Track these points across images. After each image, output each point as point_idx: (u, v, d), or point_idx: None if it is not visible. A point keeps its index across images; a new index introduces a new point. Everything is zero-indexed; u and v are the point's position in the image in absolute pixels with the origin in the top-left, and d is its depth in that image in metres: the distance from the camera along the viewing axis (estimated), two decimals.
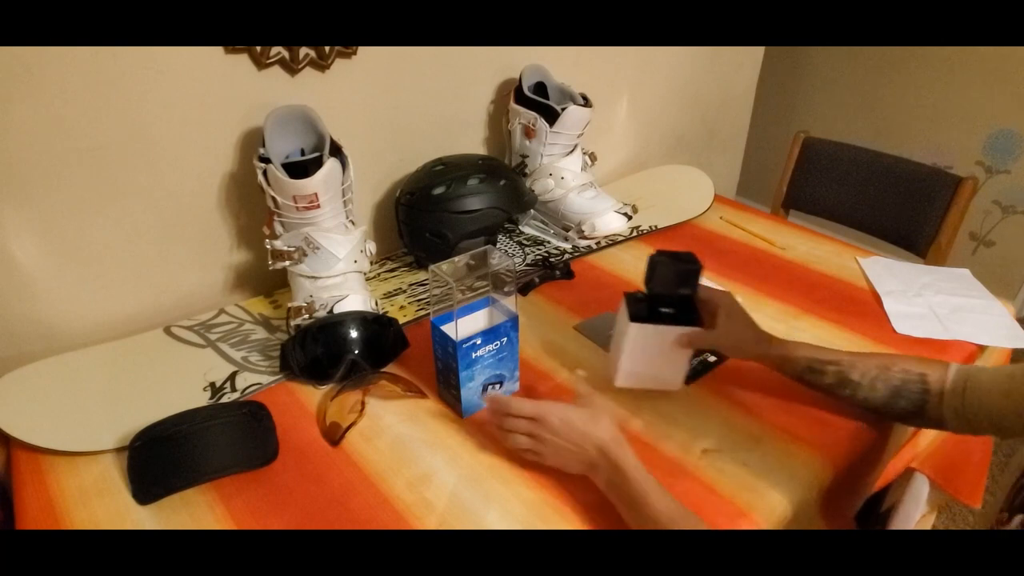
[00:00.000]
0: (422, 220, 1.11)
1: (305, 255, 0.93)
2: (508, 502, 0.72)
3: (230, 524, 0.70)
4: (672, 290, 0.80)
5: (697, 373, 0.91)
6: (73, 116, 0.86)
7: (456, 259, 0.80)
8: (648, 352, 0.82)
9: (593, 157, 1.35)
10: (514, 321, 0.83)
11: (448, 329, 0.80)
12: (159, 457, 0.74)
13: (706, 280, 1.15)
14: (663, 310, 0.81)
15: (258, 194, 0.92)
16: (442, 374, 0.85)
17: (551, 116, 1.23)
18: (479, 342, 0.80)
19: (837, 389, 0.79)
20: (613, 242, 1.30)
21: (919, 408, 0.74)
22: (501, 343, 0.82)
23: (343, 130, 0.98)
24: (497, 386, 0.85)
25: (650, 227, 1.34)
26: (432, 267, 0.78)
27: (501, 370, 0.85)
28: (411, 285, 1.15)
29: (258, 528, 0.70)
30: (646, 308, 0.81)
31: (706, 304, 0.82)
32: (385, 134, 1.18)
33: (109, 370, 0.91)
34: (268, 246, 0.94)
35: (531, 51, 1.30)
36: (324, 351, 0.91)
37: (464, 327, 0.82)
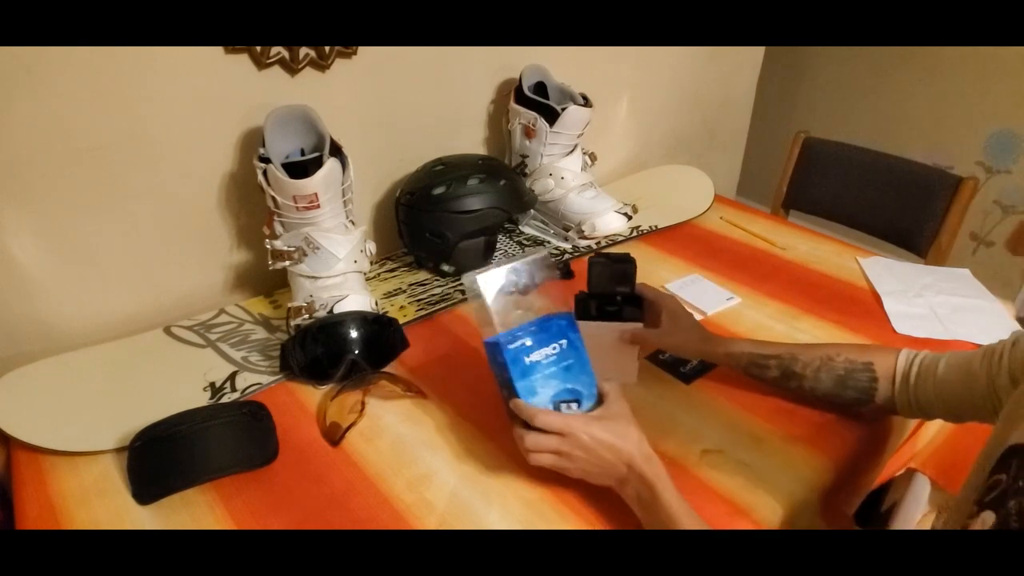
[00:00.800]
0: (422, 220, 1.11)
1: (305, 255, 0.93)
2: (508, 502, 0.72)
3: (230, 524, 0.70)
4: (610, 288, 0.85)
5: (697, 373, 0.91)
6: (73, 116, 0.86)
7: (494, 264, 0.73)
8: (595, 347, 0.83)
9: (593, 157, 1.35)
10: (570, 320, 0.73)
11: (494, 337, 0.70)
12: (159, 457, 0.74)
13: (707, 280, 1.16)
14: (609, 308, 0.85)
15: (258, 194, 0.92)
16: (507, 402, 0.72)
17: (551, 116, 1.23)
18: (529, 342, 0.70)
19: (783, 382, 0.81)
20: (613, 242, 1.30)
21: (869, 396, 0.76)
22: (560, 347, 0.71)
23: (343, 130, 0.98)
24: (574, 405, 0.71)
25: (650, 227, 1.34)
26: (466, 277, 0.72)
27: (573, 383, 0.72)
28: (411, 285, 1.15)
29: (258, 528, 0.70)
30: (593, 307, 0.85)
31: (653, 305, 0.85)
32: (385, 134, 1.18)
33: (109, 370, 0.91)
34: (268, 246, 0.94)
35: (531, 51, 1.30)
36: (324, 351, 0.91)
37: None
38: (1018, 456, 0.47)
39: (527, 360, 0.69)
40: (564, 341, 0.72)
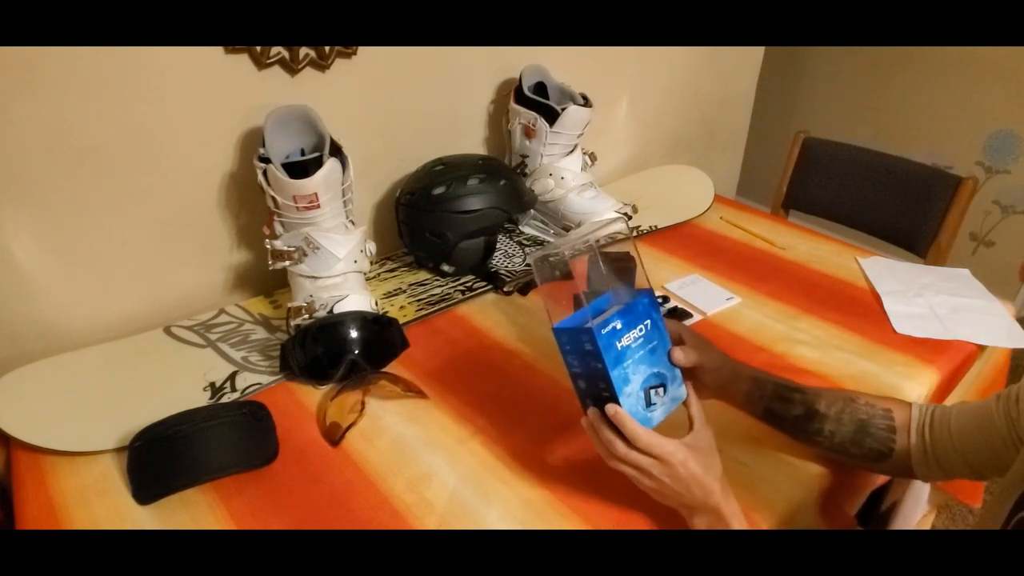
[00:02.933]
0: (422, 220, 1.11)
1: (305, 255, 0.93)
2: (508, 502, 0.72)
3: (230, 524, 0.70)
4: (611, 287, 0.81)
5: None
6: (73, 116, 0.86)
7: (561, 243, 0.68)
8: None
9: (593, 157, 1.35)
10: (651, 297, 0.68)
11: (582, 323, 0.64)
12: (159, 457, 0.74)
13: (707, 280, 1.16)
14: None
15: (258, 194, 0.92)
16: (588, 395, 0.67)
17: (551, 116, 1.23)
18: (619, 326, 0.64)
19: (804, 423, 0.73)
20: (613, 241, 1.30)
21: (887, 448, 0.70)
22: (646, 327, 0.67)
23: (343, 130, 0.98)
24: (660, 390, 0.67)
25: (650, 227, 1.34)
26: (532, 257, 0.68)
27: (658, 366, 0.67)
28: (411, 285, 1.15)
29: (258, 528, 0.70)
30: None
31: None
32: (385, 134, 1.18)
33: (109, 370, 0.91)
34: (268, 246, 0.94)
35: (531, 51, 1.30)
36: (324, 351, 0.91)
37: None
38: None
39: (619, 345, 0.64)
40: (648, 322, 0.67)
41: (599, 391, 0.65)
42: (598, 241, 0.92)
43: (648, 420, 0.65)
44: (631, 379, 0.65)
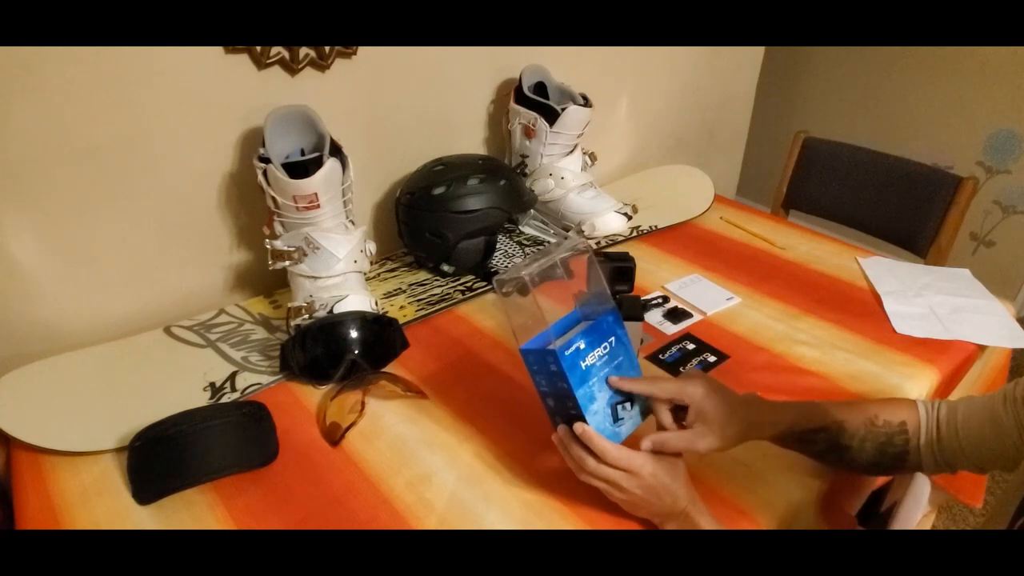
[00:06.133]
0: (422, 220, 1.11)
1: (305, 255, 0.93)
2: (508, 502, 0.72)
3: (230, 524, 0.70)
4: (609, 288, 0.81)
5: None
6: (73, 116, 0.86)
7: (522, 264, 0.67)
8: None
9: (593, 157, 1.35)
10: (616, 315, 0.69)
11: (545, 344, 0.64)
12: (159, 457, 0.74)
13: (707, 280, 1.16)
14: None
15: (258, 194, 0.92)
16: (557, 412, 0.68)
17: (551, 116, 1.23)
18: (582, 346, 0.65)
19: (825, 455, 0.74)
20: (613, 242, 1.30)
21: (902, 461, 0.71)
22: (610, 345, 0.68)
23: (343, 130, 0.98)
24: (628, 404, 0.69)
25: (650, 227, 1.34)
26: (498, 278, 0.67)
27: None
28: (411, 285, 1.15)
29: (258, 528, 0.70)
30: None
31: (678, 401, 0.69)
32: (385, 134, 1.18)
33: (109, 370, 0.91)
34: (268, 246, 0.94)
35: (531, 51, 1.30)
36: (324, 351, 0.91)
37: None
38: None
39: (583, 365, 0.65)
40: (613, 339, 0.69)
41: (567, 409, 0.66)
42: (599, 244, 0.91)
43: (616, 435, 0.67)
44: (597, 397, 0.66)
